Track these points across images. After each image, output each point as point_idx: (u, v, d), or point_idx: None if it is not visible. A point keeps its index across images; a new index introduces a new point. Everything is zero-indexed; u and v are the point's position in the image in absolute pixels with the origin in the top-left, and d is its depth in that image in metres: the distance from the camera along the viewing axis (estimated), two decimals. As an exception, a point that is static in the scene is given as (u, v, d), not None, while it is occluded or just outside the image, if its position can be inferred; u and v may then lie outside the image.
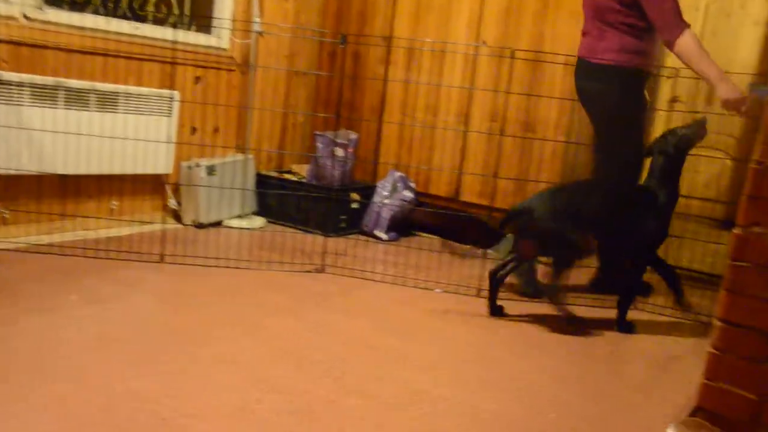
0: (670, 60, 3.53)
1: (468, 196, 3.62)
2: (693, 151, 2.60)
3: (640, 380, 2.09)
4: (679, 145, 2.50)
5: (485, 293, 2.67)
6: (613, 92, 2.73)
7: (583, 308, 2.71)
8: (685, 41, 2.53)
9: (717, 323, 1.54)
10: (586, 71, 2.79)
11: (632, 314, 2.66)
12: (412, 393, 1.82)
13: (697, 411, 1.58)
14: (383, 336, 2.22)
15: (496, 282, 2.55)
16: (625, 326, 2.53)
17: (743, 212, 1.48)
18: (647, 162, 2.65)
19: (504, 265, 2.56)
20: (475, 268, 3.16)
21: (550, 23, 3.27)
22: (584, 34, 2.83)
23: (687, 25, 2.54)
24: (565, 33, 3.23)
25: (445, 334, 2.31)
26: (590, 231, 2.53)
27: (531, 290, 2.84)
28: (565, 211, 2.41)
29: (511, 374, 2.03)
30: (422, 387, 1.87)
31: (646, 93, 2.83)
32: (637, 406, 1.90)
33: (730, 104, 2.51)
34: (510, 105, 3.39)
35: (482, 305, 2.64)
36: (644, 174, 2.70)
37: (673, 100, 3.71)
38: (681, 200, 2.61)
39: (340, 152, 3.58)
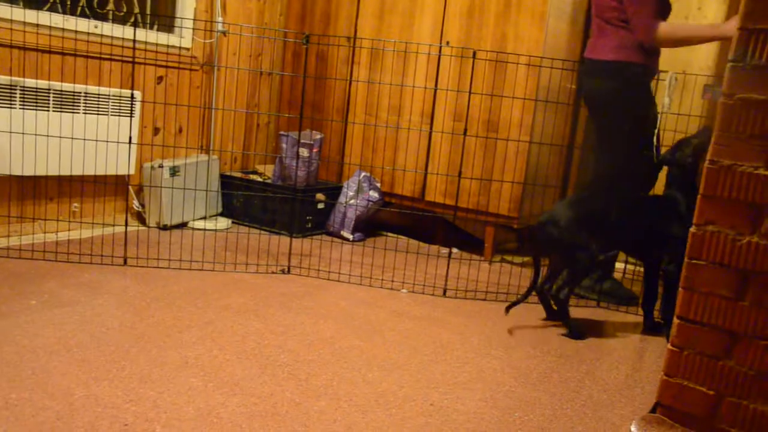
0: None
1: (433, 195, 3.63)
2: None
3: (611, 379, 2.12)
4: (695, 154, 2.55)
5: (451, 293, 2.69)
6: (614, 89, 2.77)
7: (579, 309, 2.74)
8: (663, 29, 2.62)
9: (675, 320, 1.58)
10: (588, 69, 2.84)
11: (610, 314, 2.71)
12: (378, 394, 1.82)
13: (656, 406, 1.61)
14: (349, 337, 2.22)
15: (543, 296, 2.63)
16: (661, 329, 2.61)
17: (698, 211, 1.52)
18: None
19: (547, 279, 2.61)
20: (441, 267, 3.18)
21: (513, 24, 3.31)
22: (591, 34, 2.88)
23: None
24: (528, 34, 3.27)
25: (410, 335, 2.32)
26: (612, 241, 2.62)
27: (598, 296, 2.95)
28: (585, 221, 2.47)
29: (479, 374, 2.05)
30: (389, 388, 1.87)
31: (651, 90, 2.84)
32: (606, 404, 1.93)
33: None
34: (474, 105, 3.42)
35: (448, 304, 2.66)
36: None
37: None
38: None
39: (305, 152, 3.57)
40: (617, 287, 2.94)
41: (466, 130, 2.91)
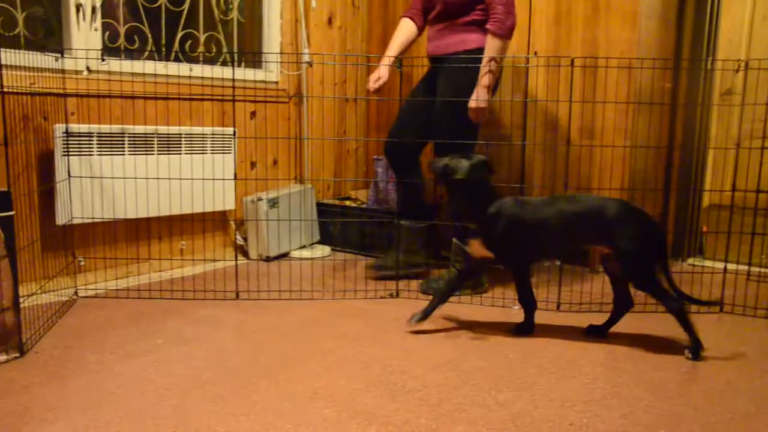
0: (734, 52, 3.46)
1: (531, 208, 3.56)
2: (758, 143, 2.52)
3: (755, 389, 2.01)
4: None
5: (564, 307, 2.61)
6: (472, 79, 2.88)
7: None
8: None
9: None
10: None
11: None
12: (513, 416, 1.78)
13: None
14: (471, 358, 2.19)
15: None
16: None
17: None
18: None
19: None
20: (546, 280, 3.10)
21: (603, 27, 3.22)
22: None
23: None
24: (620, 36, 3.18)
25: (532, 352, 2.26)
26: None
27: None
28: None
29: (612, 389, 1.97)
30: (523, 408, 1.82)
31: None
32: (756, 417, 1.83)
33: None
34: (567, 113, 3.34)
35: (564, 319, 2.59)
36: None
37: (728, 92, 3.62)
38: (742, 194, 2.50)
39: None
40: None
41: (569, 139, 2.84)
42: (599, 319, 2.60)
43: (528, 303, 2.48)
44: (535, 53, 3.44)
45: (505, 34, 2.72)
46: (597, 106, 3.26)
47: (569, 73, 3.28)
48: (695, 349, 2.25)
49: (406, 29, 3.04)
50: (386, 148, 3.09)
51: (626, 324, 2.55)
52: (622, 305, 2.44)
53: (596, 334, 2.45)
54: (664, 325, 2.56)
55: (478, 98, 2.74)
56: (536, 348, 2.30)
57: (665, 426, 1.75)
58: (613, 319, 2.45)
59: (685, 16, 3.62)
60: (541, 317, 2.64)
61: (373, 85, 2.92)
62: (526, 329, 2.48)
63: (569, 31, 3.34)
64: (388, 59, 2.97)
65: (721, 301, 2.79)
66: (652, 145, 3.40)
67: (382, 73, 2.93)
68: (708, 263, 3.62)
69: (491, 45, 2.71)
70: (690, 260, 3.72)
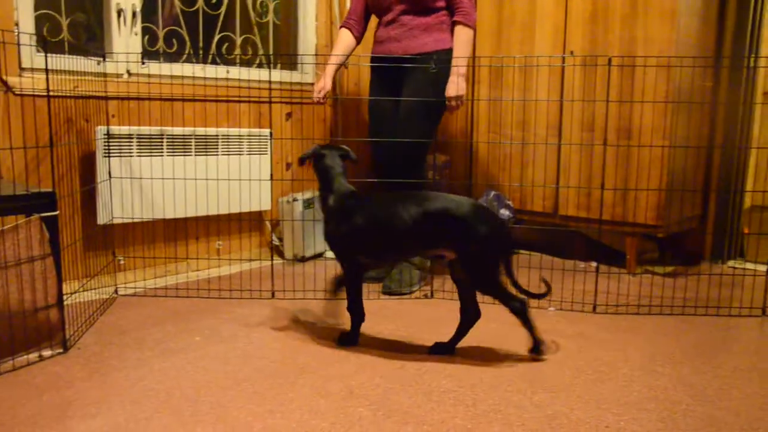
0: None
1: (566, 209, 3.53)
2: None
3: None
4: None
5: (601, 309, 2.58)
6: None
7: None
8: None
9: None
10: None
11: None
12: (550, 418, 1.77)
13: None
14: (507, 359, 2.18)
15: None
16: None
17: None
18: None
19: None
20: (582, 282, 3.07)
21: (641, 26, 3.18)
22: None
23: None
24: (659, 35, 3.13)
25: (568, 354, 2.24)
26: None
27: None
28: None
29: (650, 393, 1.94)
30: (559, 410, 1.81)
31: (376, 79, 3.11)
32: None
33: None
34: (604, 113, 3.30)
35: (601, 321, 2.56)
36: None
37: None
38: None
39: (434, 175, 3.57)
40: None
41: (606, 139, 2.82)
42: (636, 321, 2.57)
43: (355, 313, 2.30)
44: (572, 52, 3.41)
45: (473, 25, 2.88)
46: (635, 105, 3.21)
47: (606, 73, 3.25)
48: (536, 347, 2.19)
49: (346, 40, 3.11)
50: (379, 161, 3.11)
51: (662, 326, 2.51)
52: (470, 316, 2.24)
53: (442, 352, 2.23)
54: (705, 329, 2.52)
55: (458, 86, 2.85)
56: (572, 350, 2.28)
57: (704, 431, 1.72)
58: (461, 333, 2.24)
59: (726, 13, 3.56)
60: (576, 319, 2.62)
61: (317, 95, 2.99)
62: (350, 340, 2.31)
63: (606, 30, 3.30)
64: (331, 69, 3.03)
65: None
66: (691, 145, 3.34)
67: (326, 83, 2.99)
68: (749, 266, 3.54)
69: (466, 35, 2.87)
70: (730, 262, 3.64)
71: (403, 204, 2.12)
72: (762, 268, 3.38)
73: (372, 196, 2.23)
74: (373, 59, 3.06)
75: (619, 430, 1.71)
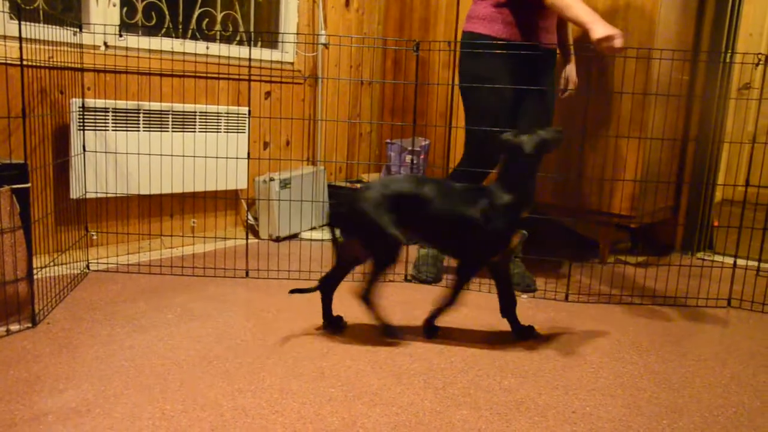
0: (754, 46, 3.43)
1: (541, 197, 3.56)
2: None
3: (759, 385, 2.01)
4: (539, 150, 2.14)
5: (573, 297, 2.61)
6: (461, 61, 2.76)
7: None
8: None
9: None
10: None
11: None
12: (518, 402, 1.79)
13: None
14: (478, 344, 2.20)
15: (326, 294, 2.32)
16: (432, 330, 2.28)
17: None
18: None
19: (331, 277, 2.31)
20: (556, 270, 3.10)
21: (621, 18, 3.20)
22: None
23: None
24: (639, 27, 3.15)
25: (538, 340, 2.27)
26: (414, 230, 2.18)
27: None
28: (386, 203, 2.09)
29: (617, 379, 1.98)
30: (527, 395, 1.83)
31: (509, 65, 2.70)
32: (762, 412, 1.83)
33: (605, 42, 2.37)
34: (583, 104, 3.32)
35: (572, 309, 2.59)
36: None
37: (746, 86, 3.59)
38: (755, 190, 2.48)
39: (413, 159, 3.58)
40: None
41: (585, 128, 2.83)
42: (606, 310, 2.61)
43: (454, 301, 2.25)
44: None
45: None
46: (614, 96, 3.24)
47: (587, 64, 3.26)
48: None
49: None
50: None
51: (632, 315, 2.56)
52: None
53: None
54: (672, 318, 2.57)
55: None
56: (543, 337, 2.31)
57: (667, 417, 1.76)
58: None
59: (705, 8, 3.59)
60: (548, 307, 2.65)
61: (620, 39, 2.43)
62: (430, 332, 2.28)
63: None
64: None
65: (729, 297, 2.79)
66: (666, 138, 3.37)
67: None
68: (718, 258, 3.61)
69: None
70: (699, 254, 3.71)
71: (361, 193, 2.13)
72: (729, 260, 3.45)
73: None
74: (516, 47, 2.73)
75: (585, 415, 1.74)
